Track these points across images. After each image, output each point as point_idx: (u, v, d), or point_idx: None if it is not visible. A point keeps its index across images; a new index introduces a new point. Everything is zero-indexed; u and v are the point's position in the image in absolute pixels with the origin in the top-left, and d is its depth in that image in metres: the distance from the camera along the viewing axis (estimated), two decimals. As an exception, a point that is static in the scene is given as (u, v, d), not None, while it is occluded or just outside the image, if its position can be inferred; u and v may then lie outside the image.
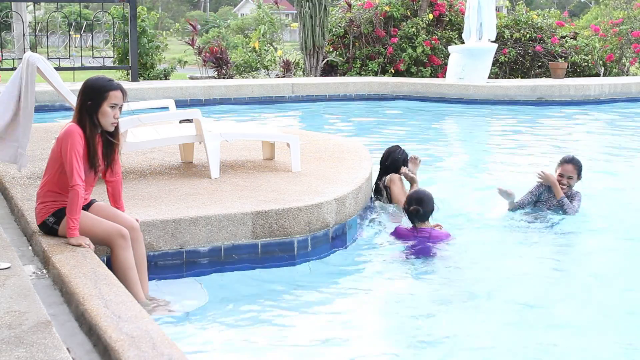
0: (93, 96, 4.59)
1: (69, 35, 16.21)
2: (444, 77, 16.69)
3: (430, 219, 6.08)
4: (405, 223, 6.25)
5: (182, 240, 5.09)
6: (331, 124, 13.15)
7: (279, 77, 17.34)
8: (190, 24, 20.61)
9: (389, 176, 6.98)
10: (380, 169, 7.12)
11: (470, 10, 16.05)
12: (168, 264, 5.07)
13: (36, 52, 11.04)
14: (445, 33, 18.05)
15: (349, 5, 18.58)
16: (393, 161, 7.02)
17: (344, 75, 17.67)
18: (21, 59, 8.56)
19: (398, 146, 7.18)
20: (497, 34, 17.09)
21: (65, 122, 5.77)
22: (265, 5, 19.94)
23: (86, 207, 4.72)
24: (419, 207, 5.99)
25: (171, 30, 26.63)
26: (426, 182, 7.33)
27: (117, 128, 4.71)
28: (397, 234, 6.16)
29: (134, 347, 3.16)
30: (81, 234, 4.54)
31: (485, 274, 5.57)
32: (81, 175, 4.49)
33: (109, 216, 4.68)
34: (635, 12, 19.38)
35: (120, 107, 4.67)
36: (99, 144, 4.66)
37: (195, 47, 18.16)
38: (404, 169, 6.89)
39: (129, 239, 4.53)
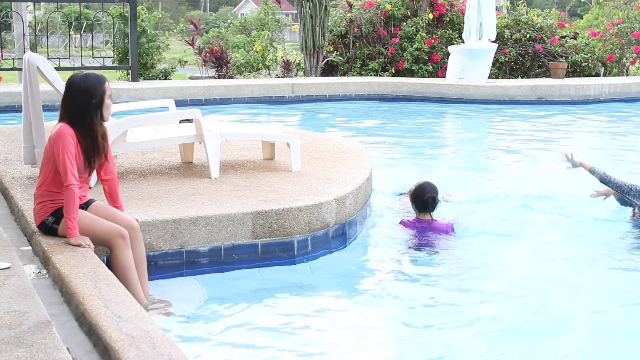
0: (95, 94, 4.62)
1: (69, 35, 16.21)
2: (444, 76, 16.69)
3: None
4: (407, 216, 6.41)
5: (182, 240, 5.09)
6: (331, 124, 13.15)
7: (279, 77, 17.33)
8: (193, 23, 20.61)
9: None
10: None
11: (470, 10, 16.05)
12: (168, 264, 5.08)
13: (36, 52, 11.04)
14: (445, 33, 18.05)
15: (350, 5, 18.58)
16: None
17: (344, 75, 17.67)
18: (21, 59, 8.56)
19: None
20: (497, 34, 17.09)
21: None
22: (270, 5, 19.90)
23: (85, 207, 4.72)
24: (433, 194, 6.22)
25: (174, 30, 26.61)
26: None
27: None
28: (403, 225, 6.32)
29: (134, 347, 3.16)
30: (80, 234, 4.54)
31: (487, 271, 5.58)
32: (75, 175, 4.51)
33: (108, 216, 4.68)
34: (635, 12, 19.37)
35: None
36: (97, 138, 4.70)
37: (195, 47, 18.16)
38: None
39: (128, 239, 4.54)
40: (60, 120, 4.66)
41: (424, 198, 6.25)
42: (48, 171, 4.63)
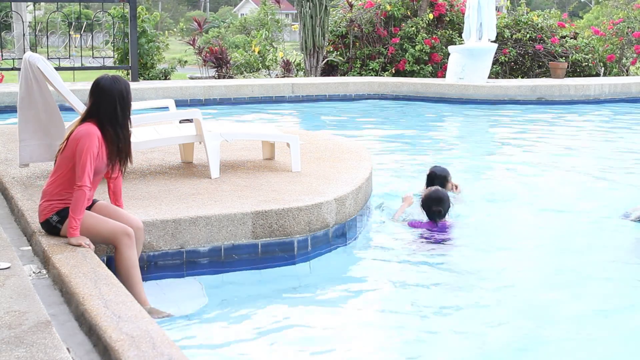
0: (128, 97, 4.68)
1: (69, 35, 16.21)
2: (444, 76, 16.69)
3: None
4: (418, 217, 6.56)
5: (182, 240, 5.09)
6: (331, 124, 13.15)
7: (279, 77, 17.33)
8: (196, 21, 20.65)
9: None
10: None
11: (470, 10, 16.05)
12: (168, 264, 5.07)
13: (36, 52, 11.03)
14: (446, 33, 18.05)
15: (350, 5, 18.58)
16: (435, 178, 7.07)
17: (344, 75, 17.67)
18: (21, 59, 8.57)
19: (437, 166, 7.33)
20: (497, 34, 17.09)
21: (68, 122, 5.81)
22: (269, 5, 19.90)
23: (89, 208, 4.72)
24: (440, 208, 6.34)
25: (175, 30, 26.57)
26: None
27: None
28: (412, 226, 6.44)
29: (134, 347, 3.16)
30: (86, 233, 4.55)
31: (487, 272, 5.57)
32: (90, 177, 4.53)
33: (112, 216, 4.69)
34: (635, 12, 19.37)
35: None
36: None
37: (195, 47, 18.16)
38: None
39: (133, 237, 4.55)
40: (86, 121, 4.65)
41: (431, 209, 6.39)
42: (65, 170, 4.62)
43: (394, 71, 17.60)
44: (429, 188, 6.64)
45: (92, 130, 4.57)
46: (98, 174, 4.67)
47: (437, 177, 7.07)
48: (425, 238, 6.16)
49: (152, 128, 6.69)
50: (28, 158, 6.00)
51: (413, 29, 17.76)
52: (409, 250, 5.96)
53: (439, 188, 6.59)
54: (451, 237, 6.25)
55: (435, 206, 6.36)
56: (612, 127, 13.32)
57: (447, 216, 6.44)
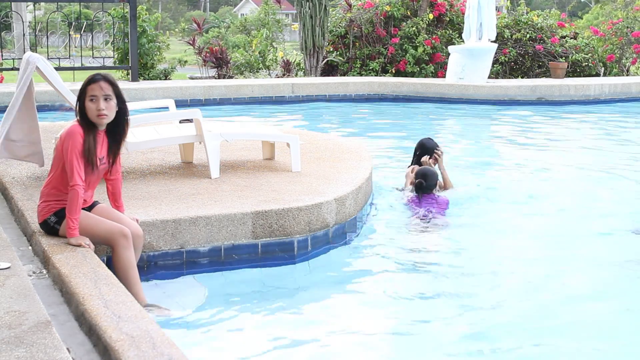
0: (79, 95, 4.60)
1: (69, 35, 16.21)
2: (444, 76, 16.69)
3: (435, 192, 6.97)
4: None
5: (182, 240, 5.09)
6: (331, 124, 13.15)
7: (279, 77, 17.34)
8: (196, 22, 20.67)
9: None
10: (414, 158, 7.59)
11: (470, 10, 16.06)
12: (168, 264, 5.08)
13: (36, 52, 11.03)
14: (446, 33, 18.05)
15: (349, 5, 18.59)
16: (425, 149, 7.50)
17: (344, 75, 17.67)
18: (21, 59, 8.57)
19: (430, 138, 7.73)
20: (497, 34, 17.09)
21: (66, 122, 5.80)
22: (270, 5, 19.90)
23: (89, 209, 4.72)
24: (422, 180, 6.85)
25: (176, 30, 26.56)
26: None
27: (126, 122, 4.67)
28: (408, 201, 6.97)
29: (134, 347, 3.16)
30: (83, 233, 4.54)
31: (487, 275, 5.58)
32: (81, 175, 4.49)
33: (112, 219, 4.68)
34: (634, 13, 19.37)
35: (108, 97, 4.53)
36: (104, 141, 4.65)
37: (195, 47, 18.17)
38: (424, 159, 7.43)
39: (130, 238, 4.54)
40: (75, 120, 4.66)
41: (415, 182, 6.94)
42: (58, 171, 4.61)
43: (394, 71, 17.59)
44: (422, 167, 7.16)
45: (74, 129, 4.55)
46: (89, 174, 4.63)
47: (423, 148, 7.48)
48: (426, 238, 6.16)
49: (152, 128, 6.69)
50: (17, 155, 5.88)
51: (413, 29, 17.76)
52: (409, 250, 5.96)
53: (427, 167, 7.12)
54: (451, 237, 6.25)
55: (419, 178, 6.87)
56: (613, 127, 13.31)
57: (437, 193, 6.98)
